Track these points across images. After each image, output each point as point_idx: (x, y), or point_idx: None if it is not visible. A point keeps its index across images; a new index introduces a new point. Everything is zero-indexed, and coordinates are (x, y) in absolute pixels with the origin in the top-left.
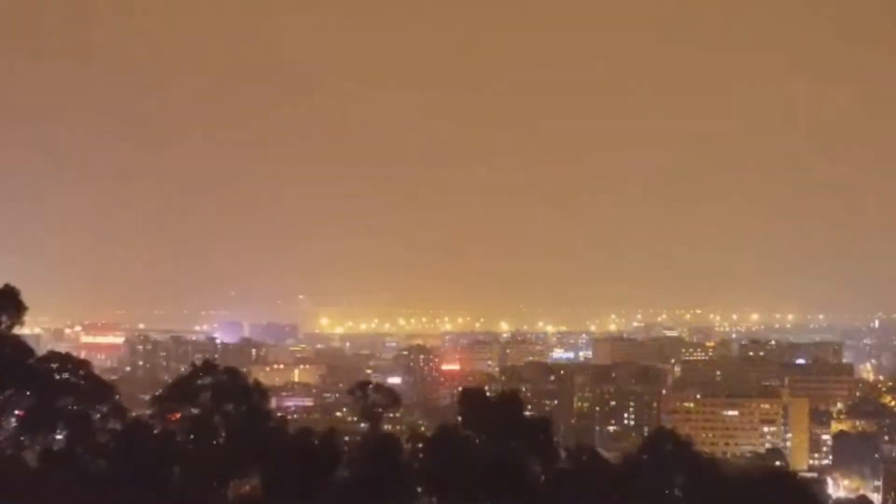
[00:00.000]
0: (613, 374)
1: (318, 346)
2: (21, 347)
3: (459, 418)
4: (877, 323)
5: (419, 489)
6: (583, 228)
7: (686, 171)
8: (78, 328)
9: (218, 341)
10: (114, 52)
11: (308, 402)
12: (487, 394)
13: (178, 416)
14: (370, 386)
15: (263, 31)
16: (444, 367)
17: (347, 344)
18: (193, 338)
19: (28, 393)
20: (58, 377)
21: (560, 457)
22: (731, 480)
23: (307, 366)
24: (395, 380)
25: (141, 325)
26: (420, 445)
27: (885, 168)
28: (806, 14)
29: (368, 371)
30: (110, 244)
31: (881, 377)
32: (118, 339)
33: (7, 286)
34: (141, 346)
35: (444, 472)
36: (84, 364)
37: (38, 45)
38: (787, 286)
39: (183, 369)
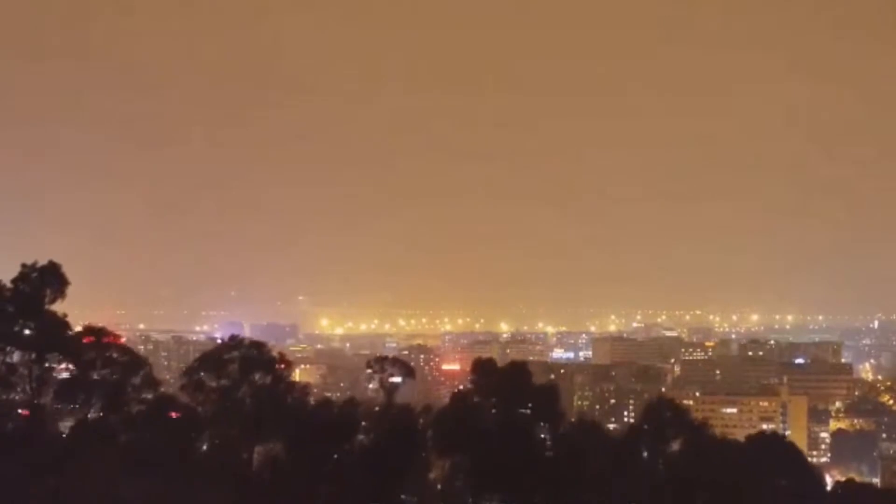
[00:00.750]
0: (613, 374)
1: (318, 346)
2: (60, 321)
3: (471, 386)
4: (876, 324)
5: (432, 452)
6: (583, 228)
7: (686, 171)
8: (78, 328)
9: (219, 341)
10: (114, 52)
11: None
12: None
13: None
14: (387, 359)
15: (263, 31)
16: (445, 366)
17: (348, 344)
18: (194, 338)
19: (66, 364)
20: (94, 350)
21: (565, 421)
22: (724, 442)
23: (307, 366)
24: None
25: (141, 326)
26: (434, 415)
27: (885, 168)
28: (806, 14)
29: (369, 371)
30: (110, 244)
31: (880, 376)
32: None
33: (51, 262)
34: (142, 347)
35: (457, 435)
36: (117, 338)
37: (38, 45)
38: (787, 286)
39: (184, 369)
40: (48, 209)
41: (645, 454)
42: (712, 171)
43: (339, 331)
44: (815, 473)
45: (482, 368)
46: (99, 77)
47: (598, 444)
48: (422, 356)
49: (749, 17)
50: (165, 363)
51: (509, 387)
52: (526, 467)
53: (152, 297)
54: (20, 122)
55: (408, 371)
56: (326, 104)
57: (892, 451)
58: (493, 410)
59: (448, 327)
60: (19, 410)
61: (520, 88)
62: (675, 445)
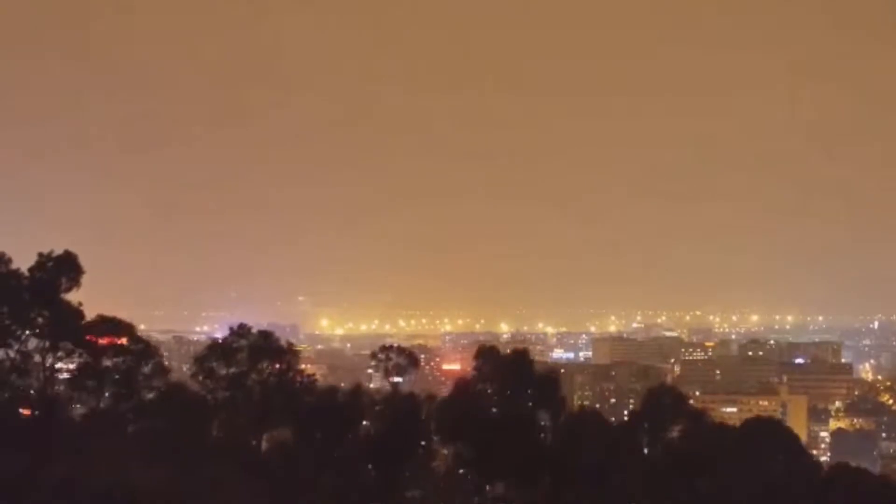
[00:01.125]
0: (613, 373)
1: (319, 346)
2: (74, 310)
3: (475, 374)
4: (876, 324)
5: (436, 438)
6: (583, 228)
7: (686, 171)
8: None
9: (220, 341)
10: (114, 52)
11: None
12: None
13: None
14: (392, 348)
15: (263, 31)
16: (445, 366)
17: (348, 345)
18: (195, 338)
19: (79, 352)
20: (106, 338)
21: (566, 408)
22: (721, 427)
23: (308, 365)
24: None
25: (142, 326)
26: (437, 403)
27: (885, 168)
28: (806, 14)
29: (369, 371)
30: (110, 244)
31: (879, 377)
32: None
33: (67, 251)
34: None
35: (459, 422)
36: (129, 327)
37: (38, 45)
38: (787, 286)
39: (185, 369)
40: (48, 209)
41: (645, 440)
42: (712, 171)
43: (339, 331)
44: (811, 457)
45: (485, 355)
46: (99, 77)
47: (598, 431)
48: (422, 356)
49: (749, 17)
50: (167, 363)
51: (512, 374)
52: (528, 454)
53: (152, 297)
54: (20, 122)
55: (412, 360)
56: (326, 104)
57: (891, 451)
58: (496, 398)
59: (448, 327)
60: (32, 398)
61: (520, 88)
62: (675, 432)
